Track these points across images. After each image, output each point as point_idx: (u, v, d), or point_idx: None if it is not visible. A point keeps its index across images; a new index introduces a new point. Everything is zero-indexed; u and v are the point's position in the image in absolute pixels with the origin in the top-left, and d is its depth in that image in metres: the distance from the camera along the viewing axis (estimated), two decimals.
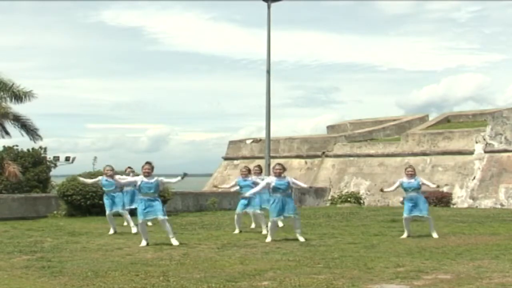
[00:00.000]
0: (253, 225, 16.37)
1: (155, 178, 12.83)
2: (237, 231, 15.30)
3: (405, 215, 14.21)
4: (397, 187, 14.64)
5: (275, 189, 13.30)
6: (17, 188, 26.77)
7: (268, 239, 13.20)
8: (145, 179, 12.77)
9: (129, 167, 18.42)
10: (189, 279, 8.39)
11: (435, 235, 13.92)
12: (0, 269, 9.38)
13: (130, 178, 14.22)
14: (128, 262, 10.03)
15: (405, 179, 14.39)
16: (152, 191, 12.75)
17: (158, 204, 12.75)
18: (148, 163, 12.97)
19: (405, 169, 14.84)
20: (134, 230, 15.08)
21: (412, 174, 14.39)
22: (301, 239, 13.12)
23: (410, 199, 14.28)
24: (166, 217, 12.85)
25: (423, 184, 14.58)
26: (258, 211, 15.38)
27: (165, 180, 13.26)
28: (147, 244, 12.44)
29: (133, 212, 16.58)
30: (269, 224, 13.52)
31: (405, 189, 14.38)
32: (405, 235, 13.98)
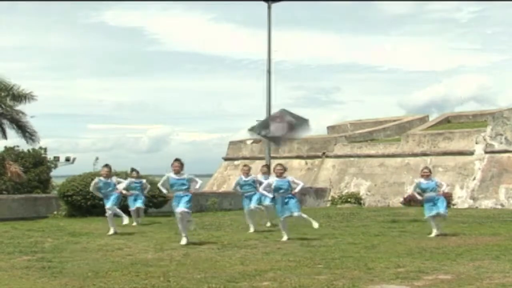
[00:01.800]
0: (267, 223, 16.52)
1: (185, 175, 13.06)
2: (251, 229, 15.51)
3: (426, 215, 14.52)
4: (415, 187, 14.87)
5: (277, 189, 13.45)
6: (18, 188, 26.79)
7: (284, 238, 13.36)
8: (175, 176, 13.00)
9: (134, 169, 18.70)
10: (189, 279, 8.40)
11: (434, 233, 14.11)
12: (0, 270, 9.38)
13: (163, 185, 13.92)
14: (129, 263, 10.03)
15: (422, 180, 14.65)
16: (183, 187, 13.02)
17: (178, 199, 13.01)
18: (177, 160, 13.15)
19: (421, 170, 15.12)
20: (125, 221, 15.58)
21: (428, 175, 14.68)
22: (315, 224, 13.58)
23: (430, 199, 14.50)
24: (186, 210, 12.91)
25: (441, 185, 14.81)
26: (253, 207, 15.88)
27: (195, 178, 13.38)
28: (187, 242, 12.58)
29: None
30: (280, 224, 13.70)
31: (424, 190, 14.62)
32: (433, 233, 14.17)
